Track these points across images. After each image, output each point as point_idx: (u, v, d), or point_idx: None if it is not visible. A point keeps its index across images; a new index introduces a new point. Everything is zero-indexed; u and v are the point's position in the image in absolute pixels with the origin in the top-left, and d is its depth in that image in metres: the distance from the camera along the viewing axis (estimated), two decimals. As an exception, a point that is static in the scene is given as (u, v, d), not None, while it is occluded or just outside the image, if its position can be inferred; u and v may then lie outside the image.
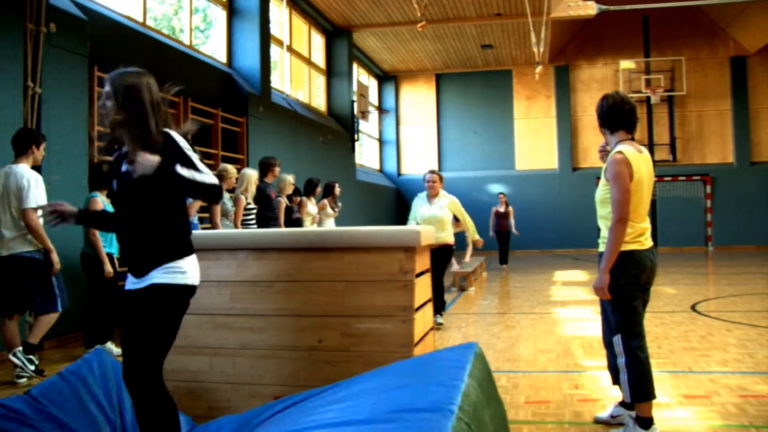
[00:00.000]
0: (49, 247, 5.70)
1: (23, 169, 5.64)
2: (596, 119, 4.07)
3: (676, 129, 21.69)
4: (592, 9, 14.53)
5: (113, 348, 6.72)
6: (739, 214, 21.00)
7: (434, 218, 7.71)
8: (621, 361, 3.82)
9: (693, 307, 8.96)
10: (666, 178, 21.43)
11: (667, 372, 5.43)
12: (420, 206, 7.96)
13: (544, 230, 21.81)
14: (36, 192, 5.58)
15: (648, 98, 21.17)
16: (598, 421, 4.14)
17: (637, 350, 3.80)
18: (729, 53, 21.47)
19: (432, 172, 8.04)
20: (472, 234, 8.42)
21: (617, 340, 3.84)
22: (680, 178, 21.49)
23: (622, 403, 4.09)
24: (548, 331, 7.58)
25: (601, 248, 3.94)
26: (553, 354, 6.30)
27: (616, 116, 3.94)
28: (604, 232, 3.93)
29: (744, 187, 21.07)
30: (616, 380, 4.03)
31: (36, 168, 5.92)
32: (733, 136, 21.43)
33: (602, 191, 3.95)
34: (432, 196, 7.92)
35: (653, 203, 21.39)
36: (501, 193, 16.66)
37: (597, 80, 22.25)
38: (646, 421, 3.79)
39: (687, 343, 6.60)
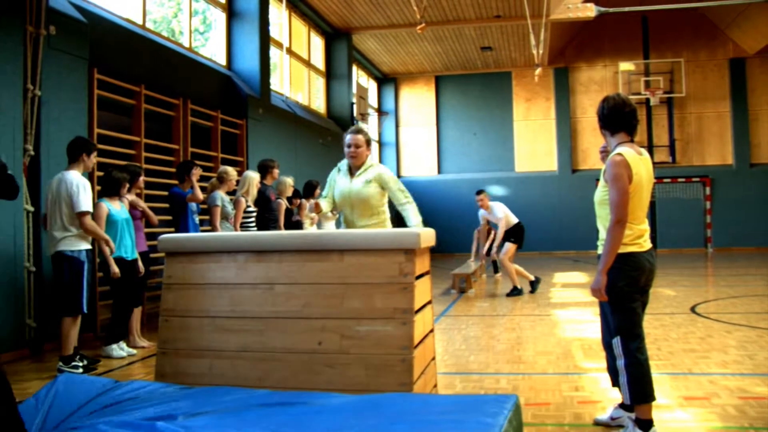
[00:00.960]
0: (108, 241, 6.36)
1: (73, 176, 6.13)
2: (597, 121, 4.07)
3: (676, 131, 21.69)
4: (591, 11, 14.57)
5: (124, 347, 6.91)
6: (738, 216, 20.99)
7: (354, 196, 5.29)
8: (620, 363, 3.83)
9: (692, 309, 8.96)
10: (665, 180, 21.41)
11: (667, 374, 5.43)
12: (338, 179, 5.51)
13: (544, 232, 21.78)
14: (84, 196, 6.07)
15: (647, 100, 21.16)
16: (597, 423, 4.14)
17: (636, 352, 3.80)
18: (728, 55, 21.48)
19: (356, 131, 5.40)
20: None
21: (616, 342, 3.85)
22: (679, 179, 21.49)
23: (622, 405, 4.09)
24: (548, 332, 7.58)
25: (600, 250, 3.95)
26: (553, 356, 6.30)
27: (618, 118, 3.94)
28: (603, 234, 3.94)
29: (743, 189, 21.07)
30: (615, 382, 4.03)
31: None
32: (733, 137, 21.44)
33: (601, 192, 3.96)
34: (355, 167, 5.39)
35: (652, 205, 21.40)
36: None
37: (596, 82, 22.26)
38: (646, 423, 3.79)
39: (686, 344, 6.61)
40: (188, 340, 3.96)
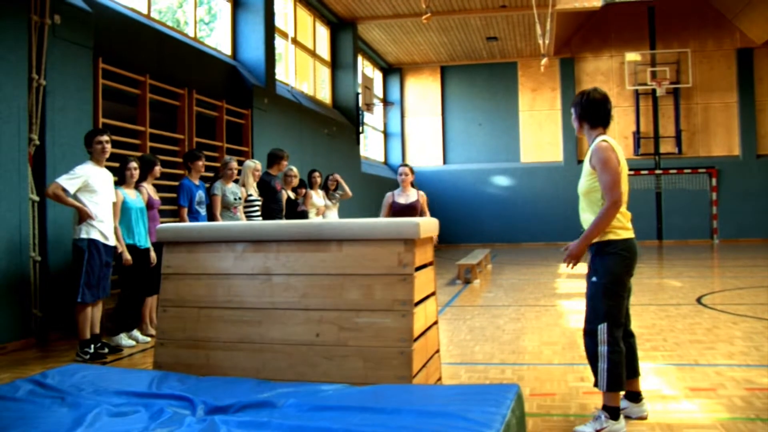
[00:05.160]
0: (80, 208, 6.22)
1: (80, 165, 6.31)
2: (574, 110, 4.11)
3: (682, 121, 21.59)
4: (597, 1, 14.51)
5: (138, 335, 6.99)
6: (744, 207, 20.92)
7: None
8: (603, 349, 3.82)
9: (698, 300, 8.94)
10: (671, 171, 21.35)
11: (673, 365, 5.42)
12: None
13: (549, 223, 21.78)
14: (66, 176, 6.16)
15: (653, 90, 21.08)
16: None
17: (619, 340, 3.84)
18: (735, 45, 21.35)
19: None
20: None
21: (602, 328, 3.84)
22: (686, 170, 21.41)
23: (626, 396, 4.07)
24: (553, 323, 7.56)
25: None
26: (558, 346, 6.29)
27: (600, 112, 4.01)
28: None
29: (750, 180, 20.98)
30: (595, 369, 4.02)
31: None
32: (739, 128, 21.33)
33: (588, 181, 3.96)
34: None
35: (658, 195, 21.35)
36: (405, 166, 8.31)
37: (602, 72, 22.15)
38: (616, 411, 3.81)
39: (692, 335, 6.59)
40: (186, 331, 3.93)
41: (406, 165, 8.15)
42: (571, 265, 3.97)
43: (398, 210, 7.88)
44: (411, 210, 7.89)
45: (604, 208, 3.81)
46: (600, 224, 3.82)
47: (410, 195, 8.06)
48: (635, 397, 4.06)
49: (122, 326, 6.88)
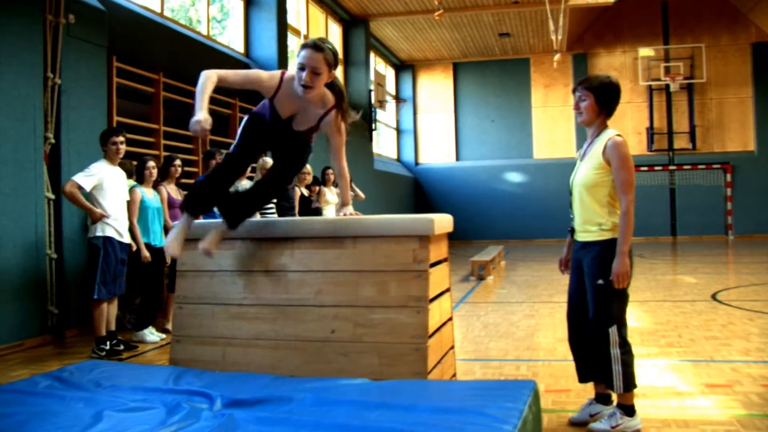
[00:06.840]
0: (91, 209, 6.24)
1: (95, 164, 6.33)
2: (592, 95, 3.97)
3: (696, 117, 21.47)
4: (610, -4, 14.38)
5: (153, 332, 7.04)
6: (760, 203, 20.77)
7: None
8: (616, 351, 3.74)
9: (713, 296, 8.89)
10: (685, 167, 21.23)
11: (689, 361, 5.40)
12: None
13: (562, 219, 21.66)
14: (81, 173, 6.20)
15: (667, 86, 20.97)
16: (573, 424, 3.96)
17: (627, 339, 3.78)
18: (750, 39, 21.19)
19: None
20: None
21: (613, 330, 3.75)
22: (700, 166, 21.28)
23: (597, 399, 3.99)
24: (567, 320, 7.54)
25: (585, 237, 3.88)
26: (572, 343, 6.27)
27: (617, 101, 3.96)
28: (598, 218, 3.83)
29: (765, 175, 20.82)
30: (594, 376, 3.95)
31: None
32: (755, 123, 21.17)
33: (597, 174, 3.86)
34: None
35: (672, 191, 21.25)
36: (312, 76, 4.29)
37: (615, 68, 22.02)
38: (632, 409, 3.78)
39: (708, 332, 6.56)
40: (201, 328, 3.95)
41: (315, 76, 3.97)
42: (625, 284, 3.73)
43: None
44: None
45: (626, 209, 3.69)
46: (629, 229, 3.69)
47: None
48: (606, 400, 4.02)
49: (146, 322, 6.97)
